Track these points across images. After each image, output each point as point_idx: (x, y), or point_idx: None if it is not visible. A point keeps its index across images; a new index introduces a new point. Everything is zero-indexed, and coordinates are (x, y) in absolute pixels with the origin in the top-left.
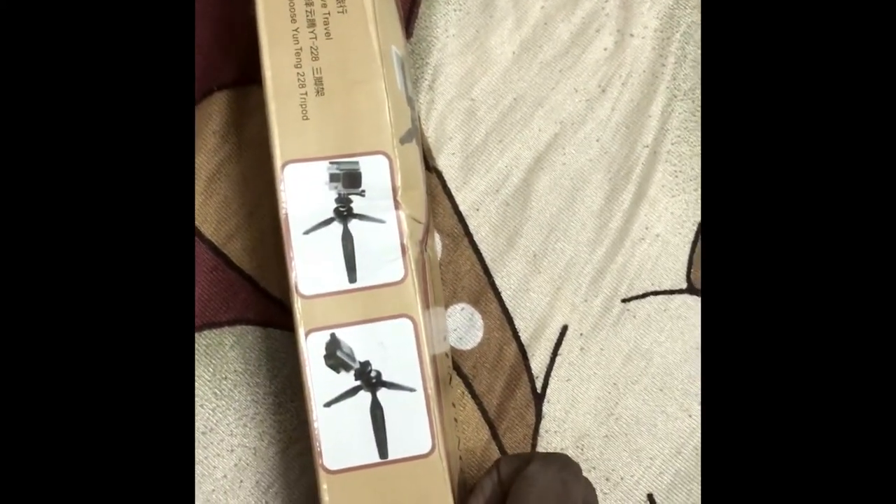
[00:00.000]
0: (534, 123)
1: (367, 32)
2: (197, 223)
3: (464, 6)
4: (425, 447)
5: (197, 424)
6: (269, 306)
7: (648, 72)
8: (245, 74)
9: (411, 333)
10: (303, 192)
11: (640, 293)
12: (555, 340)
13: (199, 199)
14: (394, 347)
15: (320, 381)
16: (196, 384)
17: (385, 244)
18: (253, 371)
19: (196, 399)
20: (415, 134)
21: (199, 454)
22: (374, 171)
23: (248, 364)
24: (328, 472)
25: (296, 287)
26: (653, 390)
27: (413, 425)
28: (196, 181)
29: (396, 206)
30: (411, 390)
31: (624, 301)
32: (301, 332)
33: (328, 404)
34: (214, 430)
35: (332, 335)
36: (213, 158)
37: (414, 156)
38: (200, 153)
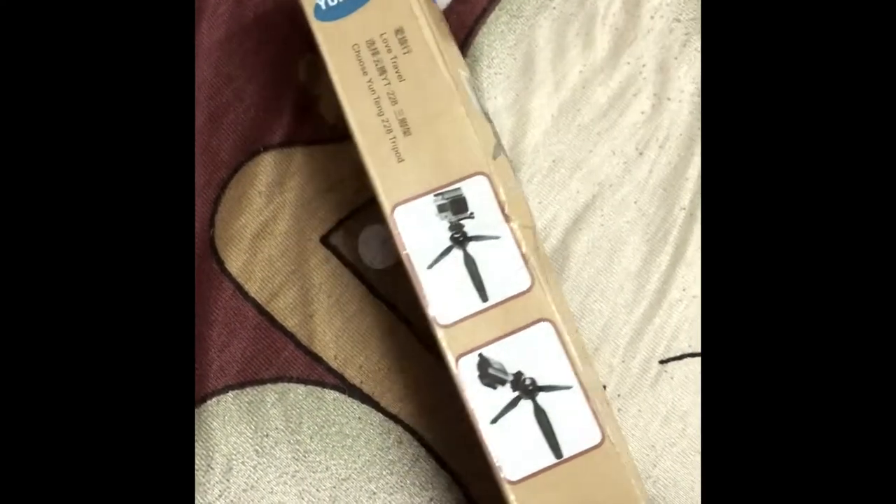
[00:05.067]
0: (572, 185)
1: (436, 65)
2: (241, 281)
3: (504, 70)
4: (596, 438)
5: (238, 482)
6: (311, 364)
7: (685, 135)
8: (290, 135)
9: (553, 334)
10: (416, 229)
11: (678, 354)
12: None
13: (243, 257)
14: (540, 352)
15: (480, 400)
16: (238, 441)
17: (506, 258)
18: (294, 429)
19: (238, 456)
20: (501, 148)
21: None
22: (478, 192)
23: (289, 422)
24: (512, 483)
25: (435, 320)
26: (690, 453)
27: (579, 420)
28: (241, 240)
29: (507, 219)
30: (568, 387)
31: (661, 362)
32: (450, 359)
33: (494, 420)
34: (255, 488)
35: (480, 355)
36: (257, 218)
37: (506, 167)
38: (245, 213)
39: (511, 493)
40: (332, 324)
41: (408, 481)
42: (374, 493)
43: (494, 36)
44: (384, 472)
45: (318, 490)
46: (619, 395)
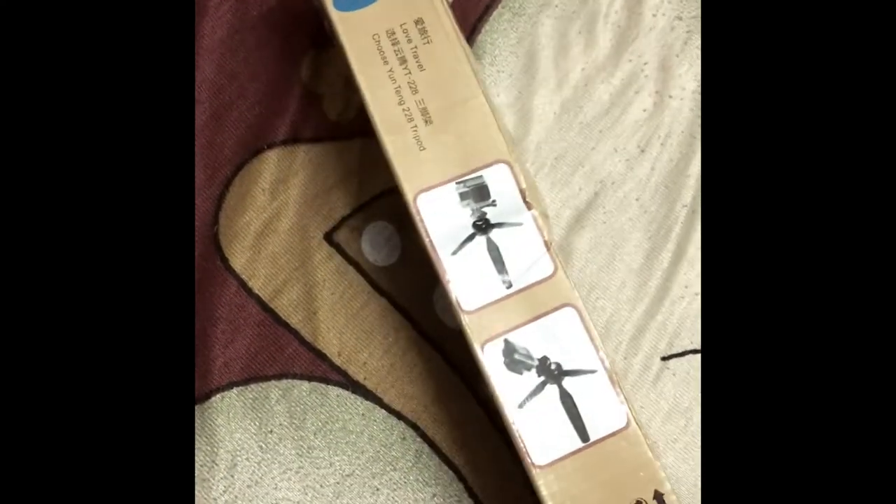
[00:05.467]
0: (574, 182)
1: (456, 55)
2: (245, 278)
3: (507, 68)
4: (621, 421)
5: (242, 478)
6: (314, 361)
7: (687, 132)
8: (293, 133)
9: (577, 319)
10: (439, 216)
11: (680, 351)
12: None
13: (247, 254)
14: (565, 337)
15: (506, 386)
16: (242, 437)
17: (528, 244)
18: (298, 425)
19: (242, 452)
20: (512, 139)
21: None
22: (499, 180)
23: (293, 418)
24: (539, 467)
25: (459, 305)
26: (693, 449)
27: (604, 404)
28: (245, 237)
29: (528, 206)
30: (593, 372)
31: (663, 359)
32: (476, 346)
33: (520, 406)
34: (259, 484)
35: (506, 341)
36: (261, 215)
37: (520, 158)
38: (249, 210)
39: (539, 479)
40: (336, 320)
41: (411, 477)
42: (378, 489)
43: (497, 34)
44: (388, 468)
45: (321, 486)
46: None
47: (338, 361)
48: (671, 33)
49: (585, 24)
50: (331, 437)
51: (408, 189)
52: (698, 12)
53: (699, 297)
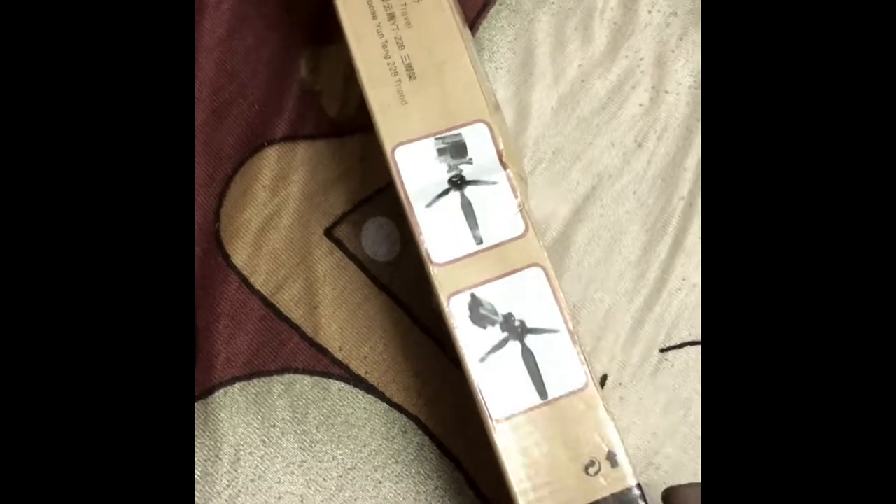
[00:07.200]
0: (572, 176)
1: (445, 15)
2: (246, 274)
3: (504, 64)
4: (580, 382)
5: (245, 472)
6: (316, 355)
7: (683, 126)
8: (293, 130)
9: (544, 279)
10: (416, 169)
11: (678, 343)
12: None
13: (248, 250)
14: (531, 296)
15: (470, 339)
16: (245, 431)
17: (501, 203)
18: (300, 419)
19: (245, 446)
20: (499, 109)
21: (248, 501)
22: (477, 139)
23: (295, 412)
24: (496, 420)
25: (429, 257)
26: (692, 440)
27: (564, 363)
28: (246, 234)
29: (504, 166)
30: (555, 331)
31: (662, 351)
32: (442, 297)
33: (482, 359)
34: (262, 478)
35: (472, 295)
36: (262, 211)
37: (503, 124)
38: (250, 207)
39: (495, 431)
40: (337, 315)
41: (413, 470)
42: (380, 482)
43: (495, 31)
44: (390, 461)
45: (324, 479)
46: (620, 384)
47: (339, 356)
48: (666, 29)
49: (582, 20)
50: (333, 430)
51: (387, 141)
52: (692, 7)
53: (697, 288)
